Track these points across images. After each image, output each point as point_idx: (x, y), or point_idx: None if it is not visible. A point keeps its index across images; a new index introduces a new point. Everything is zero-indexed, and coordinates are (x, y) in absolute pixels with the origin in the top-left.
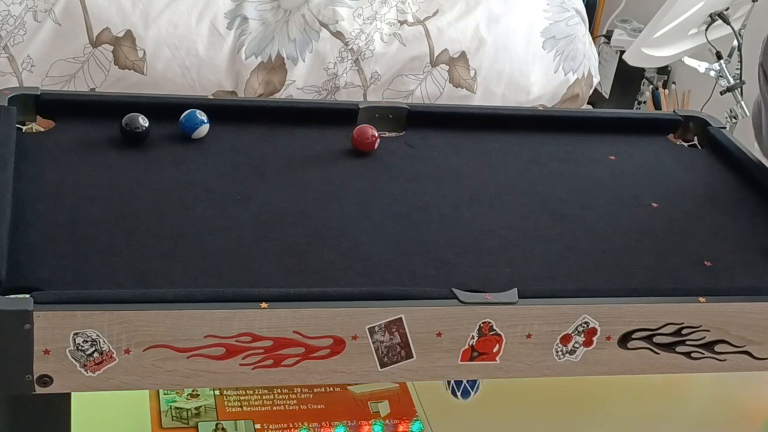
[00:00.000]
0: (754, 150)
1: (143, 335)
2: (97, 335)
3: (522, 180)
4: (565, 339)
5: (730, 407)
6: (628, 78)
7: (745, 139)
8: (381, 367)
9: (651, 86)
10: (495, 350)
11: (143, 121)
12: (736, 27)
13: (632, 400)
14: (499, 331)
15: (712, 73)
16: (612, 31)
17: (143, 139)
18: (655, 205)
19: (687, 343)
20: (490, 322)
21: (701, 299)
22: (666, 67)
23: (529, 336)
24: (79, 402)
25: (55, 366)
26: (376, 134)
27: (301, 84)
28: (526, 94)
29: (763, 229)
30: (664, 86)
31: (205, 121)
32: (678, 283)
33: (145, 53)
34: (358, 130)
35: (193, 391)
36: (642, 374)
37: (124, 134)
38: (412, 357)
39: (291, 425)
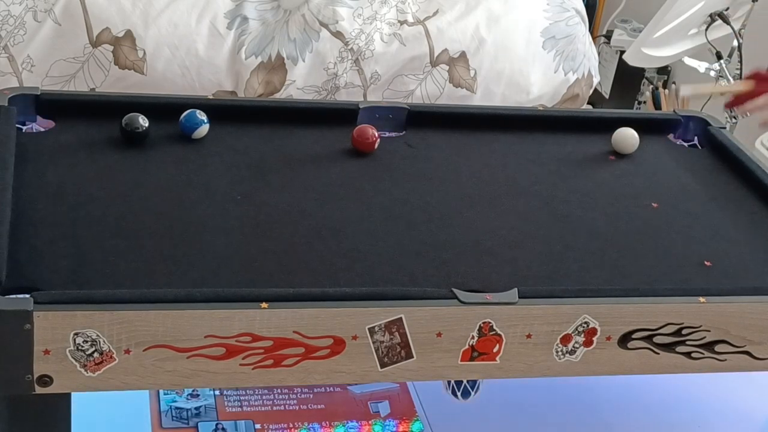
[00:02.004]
0: (754, 150)
1: (143, 335)
2: (97, 335)
3: (522, 180)
4: (565, 339)
5: (730, 407)
6: (628, 78)
7: (745, 139)
8: (381, 367)
9: (651, 86)
10: (495, 350)
11: (143, 121)
12: (736, 27)
13: (632, 400)
14: (499, 331)
15: (712, 73)
16: (612, 31)
17: (143, 139)
18: (655, 205)
19: (687, 343)
20: (490, 322)
21: (701, 299)
22: (666, 67)
23: (529, 336)
24: (79, 402)
25: (55, 366)
26: (376, 134)
27: (301, 84)
28: (526, 94)
29: (763, 229)
30: (664, 86)
31: (205, 121)
32: (678, 283)
33: (145, 53)
34: (358, 130)
35: (193, 391)
36: (642, 374)
37: (124, 134)
38: (412, 357)
39: (291, 425)
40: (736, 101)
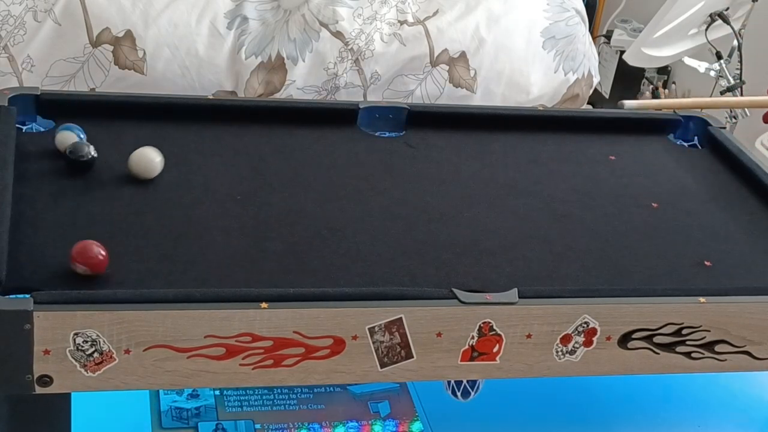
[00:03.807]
0: (754, 150)
1: (143, 335)
2: (97, 335)
3: (522, 180)
4: (565, 339)
5: (730, 407)
6: (628, 78)
7: (745, 139)
8: (381, 367)
9: (651, 86)
10: (495, 350)
11: (90, 149)
12: (736, 27)
13: (632, 400)
14: (499, 331)
15: (712, 73)
16: (612, 31)
17: (89, 168)
18: (655, 205)
19: (687, 343)
20: (490, 322)
21: (701, 299)
22: (666, 67)
23: (529, 336)
24: (79, 402)
25: (55, 366)
26: (103, 253)
27: (301, 84)
28: (526, 94)
29: (763, 229)
30: (664, 86)
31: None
32: (678, 283)
33: (145, 53)
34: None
35: (193, 391)
36: (642, 374)
37: (69, 162)
38: (412, 357)
39: (291, 425)
40: None
